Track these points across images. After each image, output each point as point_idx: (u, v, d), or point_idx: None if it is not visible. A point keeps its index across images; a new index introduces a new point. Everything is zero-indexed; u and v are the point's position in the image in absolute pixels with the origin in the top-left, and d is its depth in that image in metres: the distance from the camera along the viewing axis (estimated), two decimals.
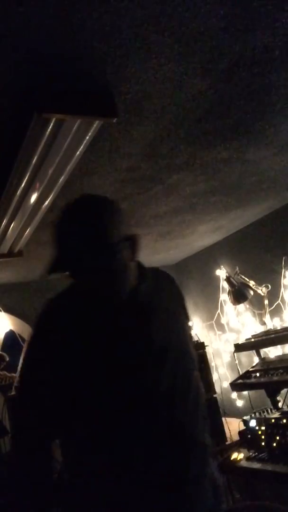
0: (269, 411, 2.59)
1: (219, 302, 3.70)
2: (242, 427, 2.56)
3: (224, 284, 3.45)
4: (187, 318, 1.32)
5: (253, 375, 2.67)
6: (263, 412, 2.58)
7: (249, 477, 2.39)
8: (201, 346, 3.00)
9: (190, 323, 1.39)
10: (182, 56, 1.25)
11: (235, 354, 3.28)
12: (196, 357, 1.27)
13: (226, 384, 3.42)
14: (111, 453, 0.99)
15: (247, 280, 3.14)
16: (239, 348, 2.96)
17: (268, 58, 1.36)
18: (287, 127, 1.86)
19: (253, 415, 2.57)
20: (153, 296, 1.17)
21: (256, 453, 2.33)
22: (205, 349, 3.00)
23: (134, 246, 1.12)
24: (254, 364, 2.90)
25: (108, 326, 1.07)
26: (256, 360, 2.99)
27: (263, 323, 3.15)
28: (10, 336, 3.69)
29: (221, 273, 3.61)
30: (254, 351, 3.02)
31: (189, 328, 1.31)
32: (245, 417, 2.56)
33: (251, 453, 2.36)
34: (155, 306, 1.16)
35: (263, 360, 2.89)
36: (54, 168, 1.57)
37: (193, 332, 3.54)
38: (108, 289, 1.09)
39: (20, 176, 1.57)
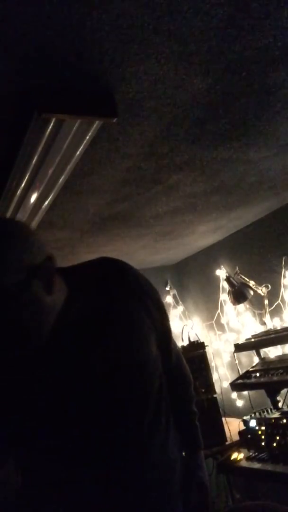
0: (269, 411, 2.59)
1: (219, 302, 3.70)
2: (242, 427, 2.56)
3: (224, 284, 3.45)
4: (149, 314, 1.11)
5: (253, 375, 2.67)
6: (263, 412, 2.59)
7: (249, 477, 2.39)
8: (201, 346, 3.00)
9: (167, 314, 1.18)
10: (182, 56, 1.25)
11: (235, 354, 3.28)
12: (159, 358, 1.12)
13: (226, 384, 3.42)
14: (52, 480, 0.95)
15: (247, 280, 3.14)
16: (239, 348, 2.96)
17: (268, 58, 1.36)
18: (287, 127, 1.86)
19: (253, 415, 2.57)
20: (92, 311, 1.01)
21: (256, 453, 2.33)
22: (205, 349, 2.99)
23: (47, 275, 0.91)
24: (254, 364, 2.90)
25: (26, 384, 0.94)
26: (256, 360, 2.99)
27: (263, 323, 3.15)
28: None
29: (221, 273, 3.61)
30: (254, 351, 3.03)
31: (151, 326, 1.10)
32: (245, 417, 2.57)
33: (251, 453, 2.37)
34: (94, 325, 1.00)
35: (263, 360, 2.89)
36: (54, 168, 1.57)
37: (193, 332, 3.54)
38: (12, 346, 0.91)
39: (20, 176, 1.57)
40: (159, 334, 1.14)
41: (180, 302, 4.18)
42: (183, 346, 3.01)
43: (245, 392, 3.21)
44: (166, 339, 1.21)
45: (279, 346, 3.03)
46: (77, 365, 0.96)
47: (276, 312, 3.18)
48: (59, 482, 0.95)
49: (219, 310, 3.72)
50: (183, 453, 1.30)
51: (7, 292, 0.84)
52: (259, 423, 2.44)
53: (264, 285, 3.11)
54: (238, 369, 3.30)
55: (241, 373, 2.91)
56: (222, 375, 3.66)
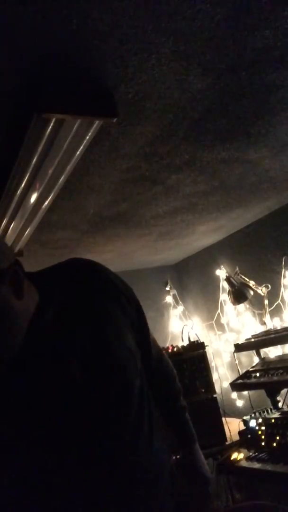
0: (269, 411, 2.59)
1: (219, 302, 3.70)
2: (242, 427, 2.56)
3: (224, 284, 3.45)
4: (125, 312, 1.09)
5: (253, 375, 2.67)
6: (263, 412, 2.59)
7: (249, 477, 2.39)
8: (201, 346, 3.00)
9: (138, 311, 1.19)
10: (182, 56, 1.25)
11: (235, 354, 3.28)
12: (138, 355, 1.10)
13: (226, 384, 3.42)
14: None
15: (247, 280, 3.14)
16: (239, 348, 2.96)
17: (268, 58, 1.36)
18: (287, 127, 1.86)
19: (253, 415, 2.57)
20: (67, 314, 0.98)
21: (256, 453, 2.33)
22: (205, 349, 2.99)
23: (15, 279, 0.90)
24: (254, 364, 2.90)
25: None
26: (256, 360, 2.99)
27: (263, 323, 3.15)
28: None
29: (221, 273, 3.61)
30: (254, 351, 3.03)
31: (128, 322, 1.10)
32: (245, 417, 2.57)
33: (251, 453, 2.36)
34: (70, 328, 0.97)
35: (263, 360, 2.89)
36: (54, 168, 1.57)
37: (193, 332, 3.54)
38: None
39: (20, 176, 1.57)
40: (136, 331, 1.13)
41: (180, 302, 4.18)
42: (183, 346, 3.01)
43: (245, 392, 3.21)
44: (144, 336, 1.20)
45: (279, 346, 3.03)
46: (56, 372, 0.94)
47: (276, 312, 3.18)
48: (46, 489, 0.93)
49: (219, 310, 3.72)
50: (180, 449, 1.30)
51: None
52: (259, 423, 2.44)
53: (264, 285, 3.11)
54: (238, 369, 3.30)
55: (241, 373, 2.91)
56: (222, 375, 3.66)
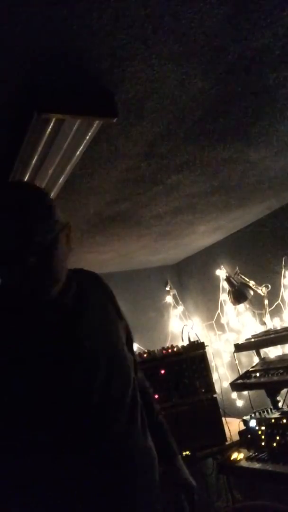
0: (269, 411, 2.59)
1: (219, 302, 3.70)
2: (242, 427, 2.56)
3: (224, 284, 3.45)
4: (117, 314, 1.24)
5: (253, 375, 2.67)
6: (263, 412, 2.59)
7: (249, 477, 2.39)
8: (201, 346, 3.00)
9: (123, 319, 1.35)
10: (182, 56, 1.25)
11: (235, 354, 3.28)
12: (132, 356, 1.23)
13: (226, 384, 3.42)
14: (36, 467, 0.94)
15: (247, 280, 3.14)
16: (239, 348, 2.96)
17: (268, 58, 1.36)
18: (287, 127, 1.86)
19: (253, 415, 2.57)
20: (79, 299, 1.10)
21: (256, 453, 2.33)
22: (205, 349, 2.99)
23: (68, 231, 1.07)
24: (254, 364, 2.90)
25: (34, 331, 1.00)
26: (256, 360, 2.99)
27: (263, 323, 3.15)
28: None
29: (221, 273, 3.61)
30: (254, 351, 3.03)
31: (121, 323, 1.25)
32: (245, 417, 2.57)
33: (251, 453, 2.36)
34: (81, 309, 1.09)
35: (263, 360, 2.89)
36: (54, 168, 1.57)
37: (193, 332, 3.54)
38: (34, 289, 0.97)
39: (20, 176, 1.58)
40: (126, 336, 1.26)
41: (180, 302, 4.18)
42: (183, 346, 3.01)
43: (245, 392, 3.20)
44: (130, 341, 1.31)
45: (279, 346, 3.03)
46: (56, 373, 0.98)
47: (276, 312, 3.18)
48: (45, 488, 0.94)
49: (219, 310, 3.72)
50: (165, 461, 1.32)
51: (45, 244, 0.95)
52: (259, 423, 2.44)
53: (264, 285, 3.11)
54: (238, 369, 3.30)
55: (241, 373, 2.91)
56: (222, 375, 3.66)
